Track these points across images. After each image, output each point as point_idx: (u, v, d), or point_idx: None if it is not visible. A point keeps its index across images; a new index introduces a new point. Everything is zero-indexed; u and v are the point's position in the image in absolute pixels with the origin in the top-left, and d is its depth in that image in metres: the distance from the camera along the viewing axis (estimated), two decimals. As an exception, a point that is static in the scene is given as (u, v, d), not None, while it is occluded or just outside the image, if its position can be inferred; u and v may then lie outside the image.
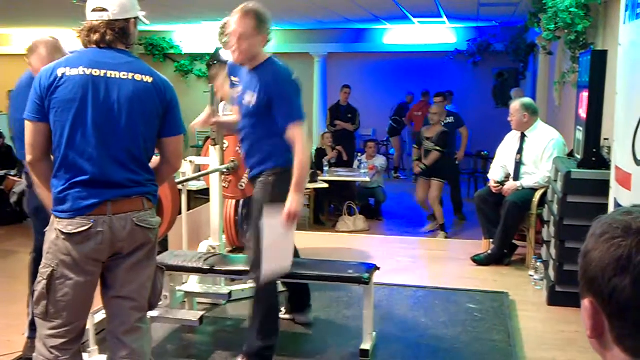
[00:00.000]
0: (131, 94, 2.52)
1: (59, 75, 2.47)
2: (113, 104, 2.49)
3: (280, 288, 4.17)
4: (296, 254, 4.29)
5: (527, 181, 5.52)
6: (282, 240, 3.30)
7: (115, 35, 2.57)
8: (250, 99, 3.36)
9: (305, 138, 3.32)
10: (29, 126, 2.52)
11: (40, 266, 2.56)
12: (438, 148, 7.69)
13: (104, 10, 2.56)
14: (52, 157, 2.57)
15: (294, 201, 3.28)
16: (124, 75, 2.53)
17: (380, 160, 9.41)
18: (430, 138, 7.85)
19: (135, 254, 2.61)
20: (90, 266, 2.53)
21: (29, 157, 2.55)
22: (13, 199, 8.38)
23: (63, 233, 2.48)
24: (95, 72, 2.49)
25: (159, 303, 3.88)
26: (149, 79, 2.58)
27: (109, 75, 2.50)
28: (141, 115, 2.55)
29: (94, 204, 2.48)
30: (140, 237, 2.59)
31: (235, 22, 3.31)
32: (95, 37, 2.55)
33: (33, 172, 2.61)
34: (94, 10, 2.56)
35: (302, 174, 3.32)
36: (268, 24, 3.36)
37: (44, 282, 2.51)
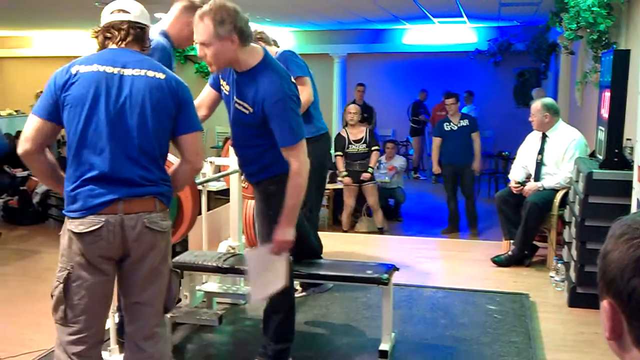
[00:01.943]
0: (143, 90, 2.51)
1: (73, 72, 2.48)
2: (125, 100, 2.48)
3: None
4: (313, 253, 4.32)
5: (548, 182, 5.48)
6: (271, 267, 3.12)
7: (136, 36, 2.59)
8: (243, 109, 3.05)
9: (302, 161, 2.97)
10: (34, 121, 2.50)
11: (57, 270, 2.54)
12: (376, 147, 7.72)
13: (126, 12, 2.59)
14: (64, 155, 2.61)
15: (282, 233, 3.01)
16: (136, 72, 2.52)
17: (399, 161, 9.38)
18: (361, 139, 7.78)
19: (148, 259, 2.57)
20: (105, 265, 2.52)
21: (22, 148, 2.51)
22: (36, 199, 8.50)
23: (75, 233, 2.47)
24: (109, 69, 2.49)
25: (177, 304, 3.92)
26: (161, 76, 2.57)
27: (122, 73, 2.50)
28: (153, 112, 2.52)
29: (105, 202, 2.46)
30: (149, 239, 2.54)
31: (195, 29, 2.94)
32: (119, 35, 2.56)
33: (27, 162, 2.59)
34: (114, 12, 2.59)
35: (294, 203, 3.00)
36: (232, 22, 2.85)
37: (61, 285, 2.50)
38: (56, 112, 2.49)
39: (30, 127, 2.50)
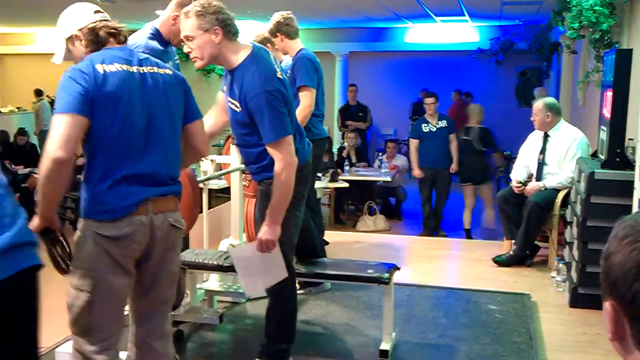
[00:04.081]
0: (162, 86, 2.50)
1: (100, 71, 2.35)
2: (151, 98, 2.45)
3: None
4: (314, 251, 4.31)
5: (549, 181, 5.46)
6: (264, 262, 3.12)
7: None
8: (234, 107, 3.06)
9: (284, 159, 2.94)
10: (69, 120, 2.26)
11: (75, 280, 2.43)
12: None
13: (103, 13, 2.59)
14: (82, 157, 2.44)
15: (267, 231, 3.01)
16: (149, 69, 2.50)
17: (400, 160, 9.39)
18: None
19: (168, 257, 2.55)
20: (131, 266, 2.47)
21: (62, 153, 2.23)
22: (37, 197, 8.49)
23: (106, 237, 2.37)
24: (130, 68, 2.43)
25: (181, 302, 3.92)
26: (169, 71, 2.58)
27: (140, 71, 2.46)
28: (174, 107, 2.54)
29: (137, 203, 2.40)
30: (173, 237, 2.54)
31: (181, 26, 2.99)
32: (121, 32, 2.53)
33: (61, 172, 2.27)
34: (96, 12, 2.56)
35: (276, 202, 2.98)
36: (215, 13, 2.89)
37: (87, 295, 2.39)
38: (90, 108, 2.31)
39: (68, 128, 2.26)
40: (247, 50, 3.02)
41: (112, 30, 2.52)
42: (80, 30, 2.51)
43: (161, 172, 2.48)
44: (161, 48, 3.44)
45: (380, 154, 10.08)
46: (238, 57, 2.99)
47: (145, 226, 2.42)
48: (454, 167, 7.67)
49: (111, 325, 2.47)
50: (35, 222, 2.39)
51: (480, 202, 7.88)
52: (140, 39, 3.44)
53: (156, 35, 3.46)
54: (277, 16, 4.54)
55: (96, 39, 2.50)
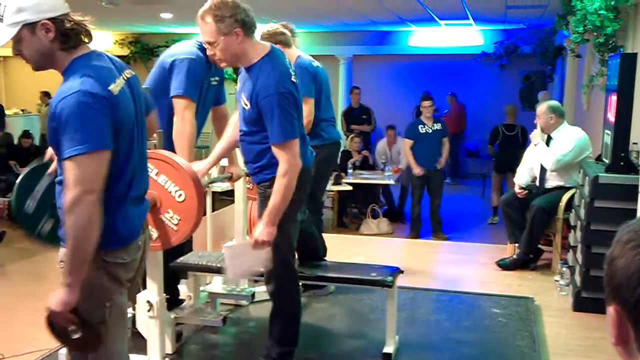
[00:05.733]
0: (138, 92, 2.29)
1: (115, 93, 2.08)
2: (138, 110, 2.26)
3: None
4: (318, 256, 4.32)
5: (552, 182, 5.48)
6: (251, 255, 3.13)
7: None
8: (244, 104, 3.07)
9: (289, 161, 2.95)
10: (102, 157, 2.02)
11: (88, 322, 2.18)
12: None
13: None
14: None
15: (263, 232, 3.01)
16: (127, 74, 2.23)
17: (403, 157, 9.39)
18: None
19: (142, 269, 2.51)
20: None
21: (94, 190, 2.01)
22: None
23: (118, 263, 2.22)
24: (123, 80, 2.17)
25: (180, 305, 3.93)
26: (133, 71, 2.31)
27: (124, 78, 2.20)
28: (144, 110, 2.38)
29: (140, 225, 2.34)
30: (147, 251, 2.51)
31: (199, 29, 2.98)
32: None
33: (95, 206, 2.00)
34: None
35: (276, 203, 2.98)
36: (233, 15, 2.88)
37: (103, 327, 2.20)
38: (113, 138, 2.08)
39: (102, 166, 2.03)
40: (265, 50, 3.04)
41: (89, 30, 2.16)
42: (52, 20, 2.05)
43: (146, 187, 2.41)
44: (205, 61, 3.52)
45: (384, 157, 10.07)
46: (256, 56, 3.02)
47: (142, 245, 2.37)
48: (442, 162, 7.73)
49: (123, 348, 2.38)
50: (66, 297, 2.08)
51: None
52: (187, 47, 3.56)
53: (201, 48, 3.51)
54: (269, 28, 4.44)
55: (75, 38, 2.10)
